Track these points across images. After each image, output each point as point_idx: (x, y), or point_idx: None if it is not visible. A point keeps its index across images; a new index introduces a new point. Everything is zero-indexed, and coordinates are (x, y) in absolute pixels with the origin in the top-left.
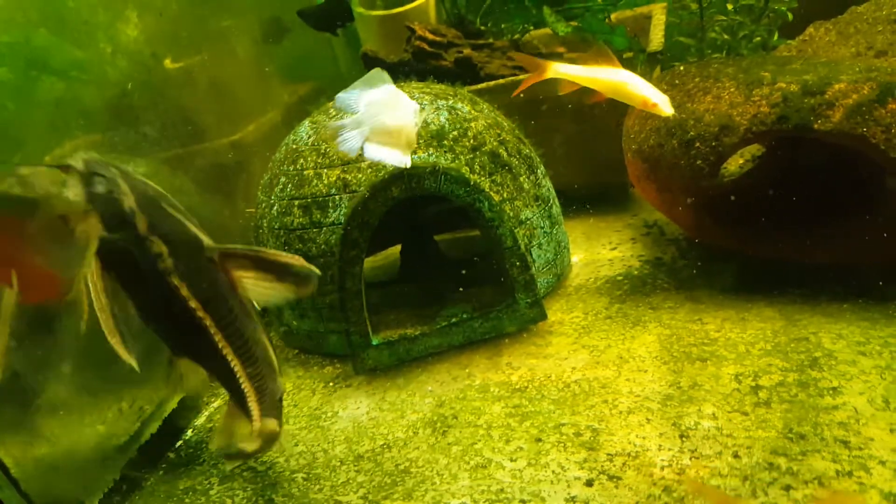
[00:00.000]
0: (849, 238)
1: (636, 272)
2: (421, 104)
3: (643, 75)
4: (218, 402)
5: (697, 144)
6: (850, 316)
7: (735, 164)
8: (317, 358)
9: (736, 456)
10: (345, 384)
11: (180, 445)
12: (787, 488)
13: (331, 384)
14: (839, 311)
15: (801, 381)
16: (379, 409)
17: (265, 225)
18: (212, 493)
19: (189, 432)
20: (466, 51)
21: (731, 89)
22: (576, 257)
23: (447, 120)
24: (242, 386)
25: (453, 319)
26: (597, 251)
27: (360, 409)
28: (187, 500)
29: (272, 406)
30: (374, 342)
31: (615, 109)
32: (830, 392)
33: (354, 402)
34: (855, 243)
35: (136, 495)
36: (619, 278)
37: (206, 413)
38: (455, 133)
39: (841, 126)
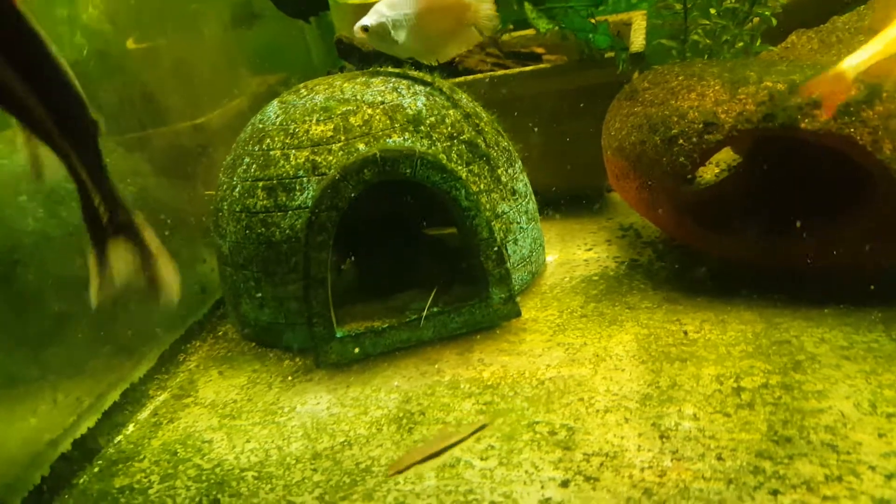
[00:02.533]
0: (833, 243)
1: (612, 273)
2: (397, 88)
3: (625, 75)
4: (164, 396)
5: (681, 141)
6: (832, 321)
7: (710, 172)
8: (275, 352)
9: (720, 458)
10: (304, 378)
11: (120, 440)
12: (775, 493)
13: (289, 378)
14: (820, 315)
15: (785, 384)
16: (340, 405)
17: (225, 207)
18: (151, 492)
19: (130, 427)
20: None
21: (716, 87)
22: (550, 257)
23: (424, 105)
24: (27, 103)
25: (423, 313)
26: (572, 252)
27: (321, 405)
28: (122, 500)
29: (85, 137)
30: (339, 334)
31: (593, 111)
32: (816, 395)
33: (314, 396)
34: (839, 248)
35: (65, 494)
36: (595, 278)
37: (151, 407)
38: (432, 119)
39: (828, 126)
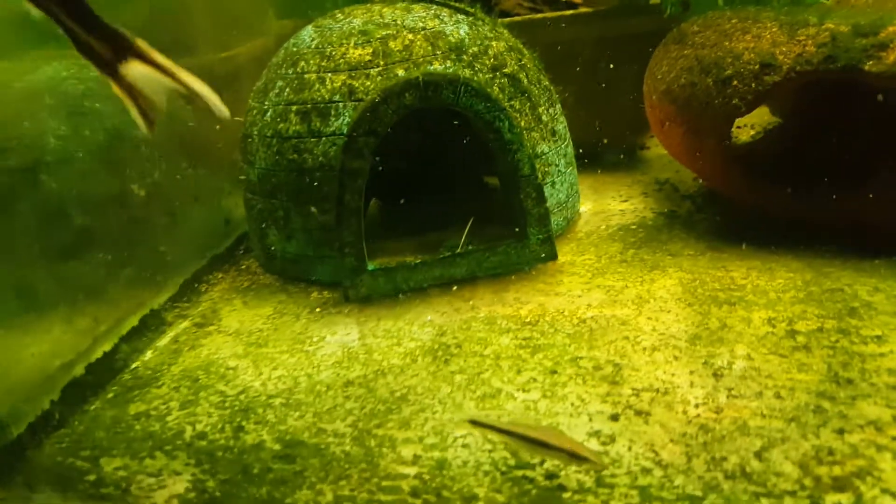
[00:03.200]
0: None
1: (650, 223)
2: (438, 16)
3: (673, 21)
4: (186, 324)
5: (735, 83)
6: (885, 271)
7: (746, 134)
8: (301, 285)
9: (778, 397)
10: (333, 311)
11: (137, 367)
12: (841, 431)
13: (317, 310)
14: (872, 266)
15: (841, 329)
16: (373, 336)
17: (256, 133)
18: (169, 419)
19: (149, 353)
20: None
21: (774, 29)
22: (584, 207)
23: (467, 34)
24: None
25: (458, 250)
26: (606, 203)
27: (351, 336)
28: (137, 427)
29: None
30: (370, 268)
31: (632, 61)
32: (875, 340)
33: (344, 328)
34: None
35: (75, 420)
36: (633, 227)
37: (172, 334)
38: (475, 49)
39: (894, 68)
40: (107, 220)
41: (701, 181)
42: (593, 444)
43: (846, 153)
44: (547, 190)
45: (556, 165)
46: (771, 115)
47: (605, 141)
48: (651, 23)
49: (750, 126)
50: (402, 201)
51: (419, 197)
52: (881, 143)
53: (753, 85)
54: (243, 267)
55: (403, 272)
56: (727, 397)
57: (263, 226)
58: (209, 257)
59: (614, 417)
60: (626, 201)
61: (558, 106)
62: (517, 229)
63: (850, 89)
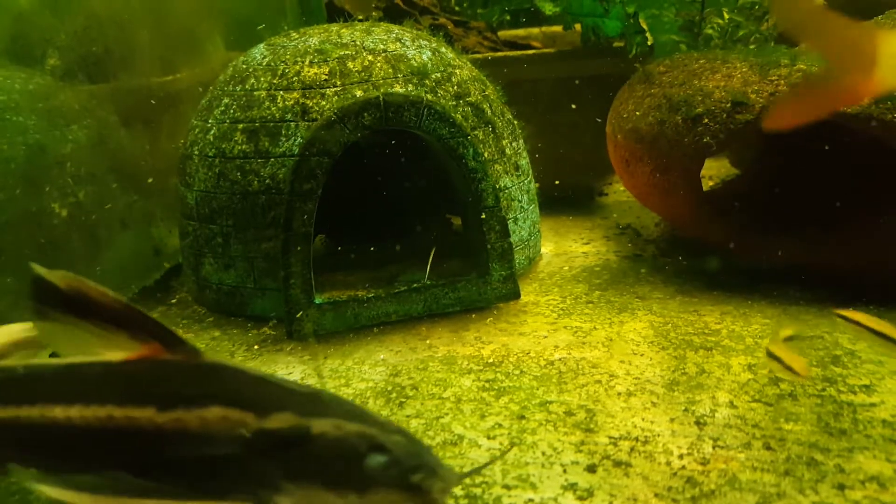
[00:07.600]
0: (869, 242)
1: (615, 265)
2: (400, 39)
3: (636, 64)
4: None
5: (706, 120)
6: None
7: (706, 185)
8: (238, 320)
9: (768, 448)
10: (273, 348)
11: None
12: (841, 487)
13: (255, 347)
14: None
15: (827, 377)
16: (317, 376)
17: (196, 153)
18: None
19: None
20: (443, 19)
21: (744, 69)
22: (545, 249)
23: (430, 59)
24: None
25: (414, 285)
26: (568, 245)
27: (293, 375)
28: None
29: None
30: (318, 301)
31: (593, 103)
32: (863, 390)
33: (285, 367)
34: (877, 247)
35: None
36: (597, 269)
37: None
38: (438, 75)
39: (870, 110)
40: (19, 241)
41: (663, 226)
42: (569, 499)
43: (818, 197)
44: (509, 226)
45: (519, 201)
46: (731, 166)
47: (564, 184)
48: (613, 65)
49: (708, 177)
50: (353, 238)
51: (371, 233)
52: (856, 188)
53: (725, 123)
54: (173, 301)
55: (354, 307)
56: (713, 447)
57: (199, 255)
58: (135, 289)
59: (591, 469)
60: (587, 244)
61: (521, 140)
62: (478, 265)
63: (820, 133)
